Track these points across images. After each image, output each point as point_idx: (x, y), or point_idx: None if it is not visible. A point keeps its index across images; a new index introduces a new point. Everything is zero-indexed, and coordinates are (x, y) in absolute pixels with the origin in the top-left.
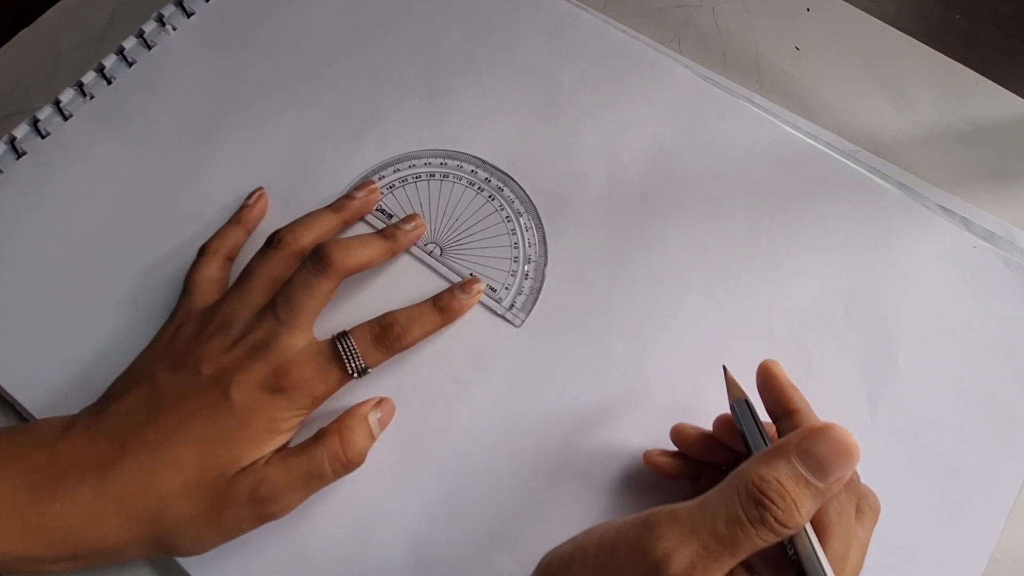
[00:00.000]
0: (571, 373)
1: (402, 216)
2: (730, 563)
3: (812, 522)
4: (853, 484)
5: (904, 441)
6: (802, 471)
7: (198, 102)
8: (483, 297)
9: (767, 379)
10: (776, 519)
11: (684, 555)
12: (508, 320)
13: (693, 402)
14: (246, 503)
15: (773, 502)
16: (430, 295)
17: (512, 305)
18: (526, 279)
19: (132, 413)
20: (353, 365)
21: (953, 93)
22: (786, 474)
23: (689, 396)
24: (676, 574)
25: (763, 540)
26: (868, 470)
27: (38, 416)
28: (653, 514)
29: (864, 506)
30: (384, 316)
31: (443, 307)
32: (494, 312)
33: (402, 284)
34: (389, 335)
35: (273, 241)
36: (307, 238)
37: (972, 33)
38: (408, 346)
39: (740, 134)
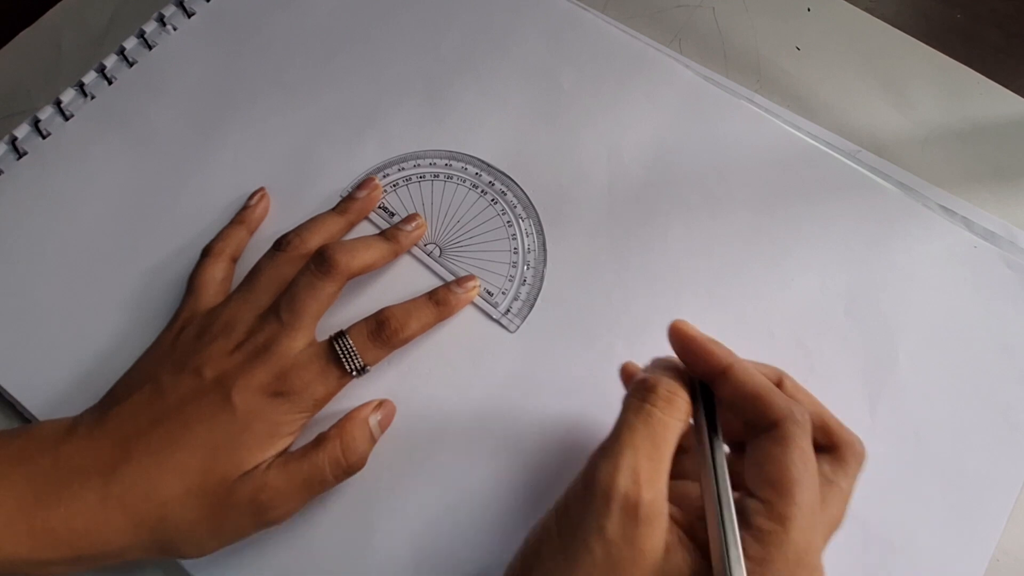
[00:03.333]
0: (572, 374)
1: (404, 215)
2: (664, 452)
3: (776, 480)
4: (804, 425)
5: (905, 441)
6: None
7: (199, 102)
8: (479, 301)
9: (685, 341)
10: (654, 405)
11: (624, 469)
12: (503, 325)
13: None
14: (247, 510)
15: (654, 391)
16: None
17: (508, 311)
18: (523, 284)
19: (135, 417)
20: (352, 364)
21: (954, 93)
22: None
23: None
24: (625, 486)
25: (668, 415)
26: (869, 470)
27: (40, 417)
28: (586, 465)
29: (847, 454)
30: (380, 312)
31: (439, 300)
32: (489, 316)
33: (401, 284)
34: (386, 330)
35: (281, 244)
36: (314, 241)
37: (973, 33)
38: (405, 341)
39: (741, 134)
